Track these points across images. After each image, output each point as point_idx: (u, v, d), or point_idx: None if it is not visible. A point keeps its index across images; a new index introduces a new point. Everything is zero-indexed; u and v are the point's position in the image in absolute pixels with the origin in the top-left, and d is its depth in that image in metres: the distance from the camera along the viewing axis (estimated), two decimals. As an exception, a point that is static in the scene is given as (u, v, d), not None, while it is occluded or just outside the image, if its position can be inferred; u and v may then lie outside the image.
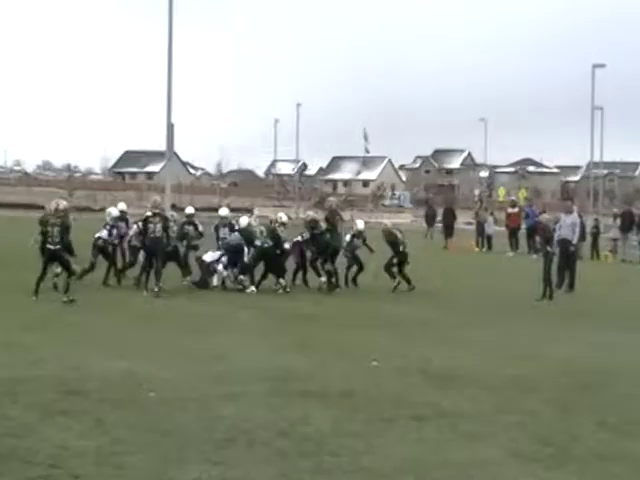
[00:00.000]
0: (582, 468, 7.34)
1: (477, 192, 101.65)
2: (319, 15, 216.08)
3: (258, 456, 7.27)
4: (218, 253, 19.46)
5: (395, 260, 20.54)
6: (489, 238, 37.60)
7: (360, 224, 21.06)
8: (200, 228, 20.02)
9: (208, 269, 19.45)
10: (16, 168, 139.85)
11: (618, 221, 36.67)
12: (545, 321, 16.44)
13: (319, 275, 19.61)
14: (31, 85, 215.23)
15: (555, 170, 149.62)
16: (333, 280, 19.66)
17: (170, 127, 32.33)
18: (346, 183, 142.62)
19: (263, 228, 19.76)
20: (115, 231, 19.29)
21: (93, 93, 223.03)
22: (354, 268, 20.72)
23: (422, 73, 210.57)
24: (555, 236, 20.57)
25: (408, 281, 20.41)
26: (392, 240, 20.68)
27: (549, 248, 19.78)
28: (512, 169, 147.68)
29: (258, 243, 19.38)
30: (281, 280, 19.20)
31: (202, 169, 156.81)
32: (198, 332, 13.49)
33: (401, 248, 20.61)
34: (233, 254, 19.35)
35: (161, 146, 33.04)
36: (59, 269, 17.35)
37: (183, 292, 18.60)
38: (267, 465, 7.03)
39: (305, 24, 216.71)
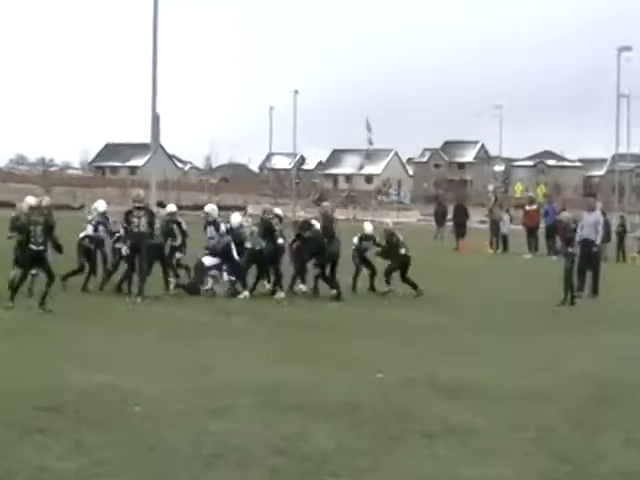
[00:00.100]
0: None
1: (491, 188, 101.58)
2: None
3: (250, 476, 7.31)
4: (218, 259, 19.40)
5: (396, 265, 20.55)
6: (504, 238, 37.61)
7: (368, 227, 21.13)
8: (184, 226, 20.07)
9: (204, 273, 19.44)
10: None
11: (646, 219, 36.73)
12: (565, 329, 16.47)
13: (302, 281, 19.61)
14: (0, 72, 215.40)
15: (577, 164, 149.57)
16: (337, 290, 19.68)
17: (155, 117, 32.34)
18: (348, 178, 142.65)
19: (255, 228, 19.74)
20: (102, 227, 19.37)
21: (70, 80, 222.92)
22: (363, 273, 20.77)
23: (430, 58, 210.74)
24: (576, 236, 20.55)
25: (414, 286, 20.45)
26: (392, 242, 20.71)
27: (570, 249, 19.78)
28: (530, 163, 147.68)
29: (249, 245, 19.40)
30: (278, 293, 19.14)
31: (190, 163, 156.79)
32: (186, 341, 13.52)
33: (403, 251, 20.64)
34: (222, 257, 19.40)
35: (145, 138, 33.03)
36: (34, 271, 17.33)
37: (169, 297, 18.62)
38: (261, 485, 7.07)
39: (304, 7, 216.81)
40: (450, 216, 41.12)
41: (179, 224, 20.03)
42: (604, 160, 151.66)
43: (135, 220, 17.94)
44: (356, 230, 21.76)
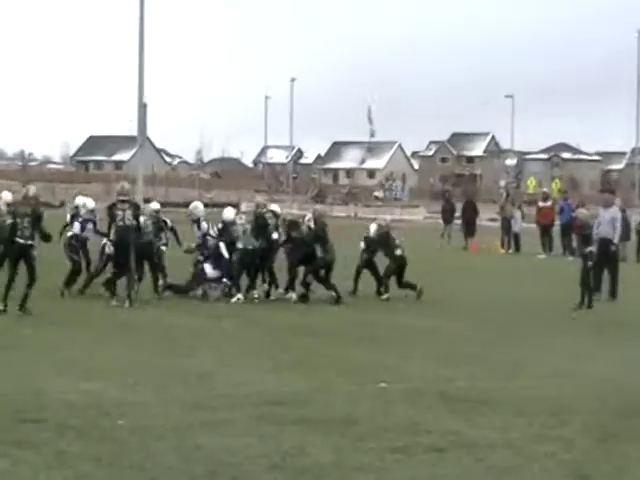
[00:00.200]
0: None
1: (503, 183, 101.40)
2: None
3: (247, 494, 7.27)
4: (219, 271, 19.40)
5: (393, 267, 20.51)
6: (516, 237, 37.61)
7: (374, 229, 21.10)
8: (169, 224, 20.13)
9: (202, 282, 19.40)
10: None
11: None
12: (583, 334, 16.45)
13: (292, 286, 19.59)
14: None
15: (594, 157, 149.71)
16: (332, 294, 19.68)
17: (142, 108, 32.28)
18: (349, 173, 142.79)
19: (248, 226, 19.72)
20: (90, 225, 19.39)
21: (51, 69, 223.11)
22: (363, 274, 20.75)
23: (436, 44, 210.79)
24: (593, 234, 20.48)
25: (412, 287, 20.43)
26: (385, 239, 20.65)
27: (588, 248, 19.72)
28: (544, 156, 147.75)
29: (240, 245, 19.38)
30: (279, 293, 19.13)
31: (179, 157, 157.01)
32: (176, 348, 13.50)
33: (398, 252, 20.60)
34: (213, 258, 19.46)
35: (131, 130, 33.06)
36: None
37: (157, 301, 18.60)
38: (257, 504, 7.04)
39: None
40: (458, 213, 41.10)
41: (165, 222, 20.07)
42: (623, 153, 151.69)
43: (120, 213, 17.89)
44: (357, 229, 21.70)
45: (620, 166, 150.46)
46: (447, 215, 40.50)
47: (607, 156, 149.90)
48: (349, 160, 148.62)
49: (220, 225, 20.03)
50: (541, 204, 38.35)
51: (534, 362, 13.48)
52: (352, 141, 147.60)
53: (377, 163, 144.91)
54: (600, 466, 8.26)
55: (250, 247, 19.34)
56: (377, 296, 20.46)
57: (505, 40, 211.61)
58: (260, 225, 19.44)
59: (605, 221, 21.49)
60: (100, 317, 16.36)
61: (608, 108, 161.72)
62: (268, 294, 19.51)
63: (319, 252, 19.45)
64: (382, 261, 20.96)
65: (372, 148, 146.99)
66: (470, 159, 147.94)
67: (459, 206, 41.55)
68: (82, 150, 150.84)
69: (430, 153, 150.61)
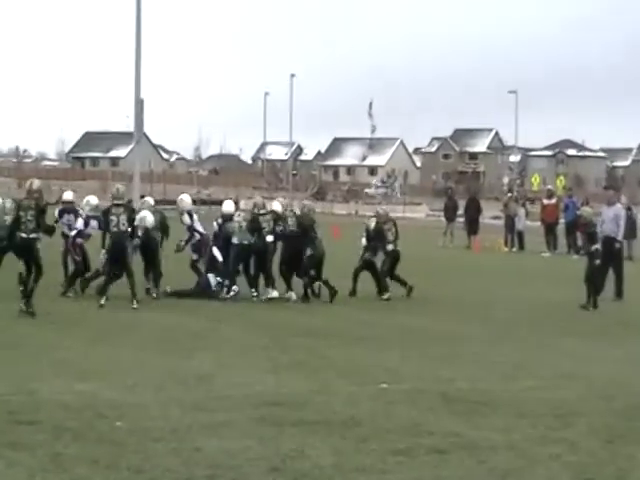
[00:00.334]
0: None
1: (506, 180, 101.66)
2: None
3: (246, 497, 7.29)
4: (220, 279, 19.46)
5: (388, 265, 20.50)
6: (520, 235, 37.64)
7: (373, 224, 21.09)
8: (166, 221, 20.20)
9: (204, 290, 19.42)
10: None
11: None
12: (587, 334, 16.47)
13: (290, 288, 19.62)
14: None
15: (600, 154, 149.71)
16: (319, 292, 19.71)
17: (139, 103, 32.31)
18: (349, 170, 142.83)
19: (244, 223, 19.75)
20: (94, 223, 19.47)
21: (46, 64, 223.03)
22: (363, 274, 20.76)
23: (438, 39, 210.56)
24: (598, 232, 20.48)
25: (403, 283, 20.43)
26: (380, 230, 20.61)
27: (594, 246, 19.74)
28: (548, 152, 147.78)
29: (236, 240, 19.42)
30: (289, 293, 19.14)
31: (177, 154, 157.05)
32: (175, 349, 13.52)
33: (390, 247, 20.59)
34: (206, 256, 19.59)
35: (128, 126, 33.09)
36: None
37: (154, 301, 18.62)
38: (257, 507, 7.06)
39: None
40: (461, 211, 41.12)
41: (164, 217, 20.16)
42: (629, 150, 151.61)
43: (114, 219, 17.90)
44: (359, 228, 21.68)
45: (626, 163, 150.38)
46: (450, 213, 40.50)
47: (613, 152, 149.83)
48: (350, 157, 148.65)
49: (220, 220, 20.08)
50: (545, 202, 38.38)
51: (537, 363, 13.49)
52: (353, 137, 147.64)
53: (378, 160, 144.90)
54: (605, 468, 8.28)
55: (246, 242, 19.41)
56: (379, 297, 20.45)
57: (509, 36, 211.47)
58: (254, 228, 19.45)
59: (609, 219, 21.50)
60: (98, 317, 16.37)
61: (614, 103, 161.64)
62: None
63: (308, 250, 19.48)
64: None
65: (373, 144, 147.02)
66: (473, 156, 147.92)
67: (462, 204, 41.58)
68: (78, 146, 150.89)
69: (432, 150, 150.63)
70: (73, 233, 19.28)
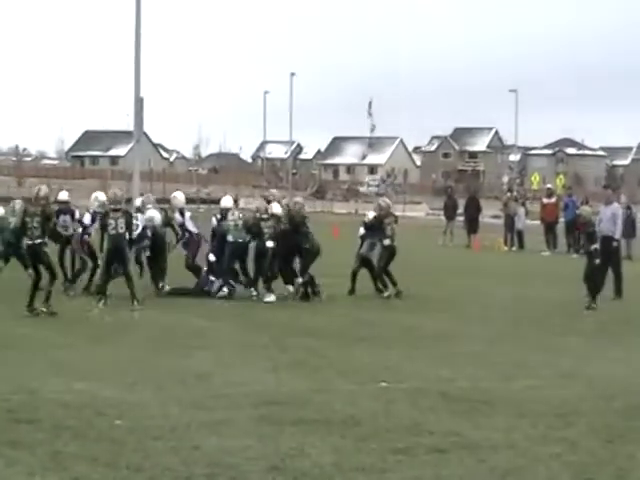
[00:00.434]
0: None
1: (506, 179, 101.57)
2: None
3: (246, 496, 7.29)
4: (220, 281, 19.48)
5: (384, 260, 20.47)
6: (520, 234, 37.62)
7: (372, 215, 21.02)
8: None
9: (204, 291, 19.44)
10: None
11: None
12: (587, 333, 16.45)
13: (288, 282, 19.60)
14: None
15: (600, 152, 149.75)
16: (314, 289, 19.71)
17: (139, 102, 32.29)
18: (349, 169, 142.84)
19: (240, 222, 19.75)
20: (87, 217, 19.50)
21: (46, 62, 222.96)
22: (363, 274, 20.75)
23: (438, 37, 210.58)
24: (597, 231, 20.47)
25: (394, 282, 20.40)
26: (380, 222, 20.57)
27: (593, 246, 19.73)
28: (548, 151, 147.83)
29: (231, 238, 19.44)
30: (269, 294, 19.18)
31: (177, 152, 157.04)
32: (174, 348, 13.51)
33: (387, 242, 20.55)
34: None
35: (128, 125, 33.10)
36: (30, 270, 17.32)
37: (153, 300, 18.61)
38: (256, 506, 7.06)
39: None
40: (461, 210, 41.10)
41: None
42: (629, 148, 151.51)
43: (112, 222, 17.92)
44: (359, 227, 21.64)
45: (626, 161, 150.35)
46: (449, 212, 40.48)
47: (612, 151, 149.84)
48: (350, 155, 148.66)
49: (218, 216, 20.12)
50: (545, 201, 38.35)
51: (537, 362, 13.47)
52: (353, 136, 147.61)
53: (378, 159, 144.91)
54: (605, 468, 8.28)
55: (240, 240, 19.44)
56: (377, 293, 20.43)
57: (510, 33, 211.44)
58: (256, 232, 19.45)
59: (606, 218, 21.46)
60: (98, 317, 16.36)
61: (614, 101, 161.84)
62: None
63: (306, 245, 19.48)
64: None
65: (373, 143, 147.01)
66: (473, 154, 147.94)
67: (462, 202, 41.55)
68: (77, 145, 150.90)
69: (432, 148, 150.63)
70: (80, 230, 19.28)
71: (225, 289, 19.17)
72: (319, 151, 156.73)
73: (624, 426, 9.75)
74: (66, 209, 19.71)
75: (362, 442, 8.75)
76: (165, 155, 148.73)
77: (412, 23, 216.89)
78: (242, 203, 45.81)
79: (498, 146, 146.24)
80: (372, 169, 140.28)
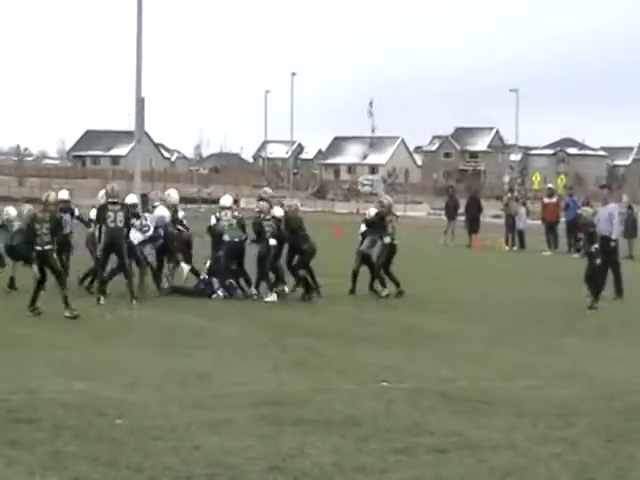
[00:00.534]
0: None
1: (507, 179, 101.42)
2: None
3: (246, 495, 7.29)
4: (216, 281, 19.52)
5: (384, 258, 20.46)
6: (521, 234, 37.62)
7: (373, 211, 21.00)
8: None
9: (205, 291, 19.44)
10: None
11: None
12: (587, 333, 16.45)
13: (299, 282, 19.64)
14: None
15: (601, 152, 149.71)
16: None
17: (140, 101, 32.31)
18: (350, 169, 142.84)
19: (234, 221, 19.78)
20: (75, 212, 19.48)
21: (47, 62, 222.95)
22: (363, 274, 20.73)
23: (439, 37, 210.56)
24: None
25: (396, 282, 20.38)
26: (382, 219, 20.56)
27: (593, 246, 19.71)
28: (549, 151, 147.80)
29: (227, 238, 19.47)
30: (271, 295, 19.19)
31: (178, 152, 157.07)
32: (174, 348, 13.51)
33: (388, 240, 20.54)
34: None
35: (129, 125, 33.12)
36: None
37: (153, 300, 18.62)
38: (256, 506, 7.06)
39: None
40: (462, 210, 41.10)
41: (139, 217, 20.02)
42: (630, 148, 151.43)
43: (111, 214, 17.90)
44: (360, 227, 21.62)
45: (627, 161, 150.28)
46: (450, 211, 40.48)
47: (613, 151, 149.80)
48: (351, 155, 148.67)
49: (218, 214, 20.16)
50: (546, 200, 38.35)
51: (537, 362, 13.47)
52: (354, 136, 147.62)
53: (379, 158, 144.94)
54: (606, 467, 8.27)
55: (237, 239, 19.48)
56: (370, 291, 20.38)
57: (510, 32, 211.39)
58: (258, 232, 19.46)
59: (603, 218, 21.43)
60: (98, 316, 16.36)
61: (615, 101, 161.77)
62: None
63: (304, 246, 19.50)
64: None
65: (374, 143, 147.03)
66: (474, 154, 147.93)
67: (463, 202, 41.56)
68: (79, 145, 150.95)
69: (433, 148, 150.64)
70: (91, 229, 19.27)
71: (220, 292, 19.16)
72: (320, 151, 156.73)
73: (624, 426, 9.75)
74: (66, 208, 19.72)
75: (362, 442, 8.75)
76: (166, 155, 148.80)
77: (413, 23, 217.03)
78: (243, 203, 45.86)
79: (499, 146, 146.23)
80: (373, 169, 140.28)
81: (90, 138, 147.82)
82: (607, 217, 21.46)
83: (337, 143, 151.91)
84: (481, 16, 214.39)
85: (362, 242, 20.79)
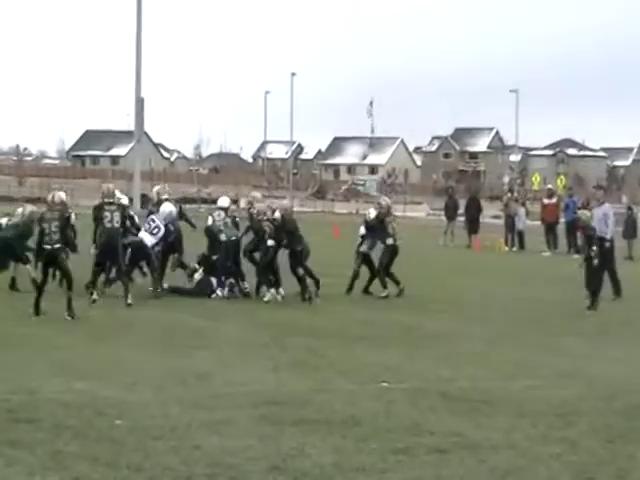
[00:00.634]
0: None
1: (507, 179, 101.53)
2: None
3: (246, 495, 7.28)
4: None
5: (386, 259, 20.44)
6: (520, 235, 37.64)
7: (373, 213, 21.00)
8: (137, 220, 20.13)
9: (205, 291, 19.44)
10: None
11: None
12: (587, 334, 16.46)
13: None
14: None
15: (600, 153, 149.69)
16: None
17: (139, 101, 32.31)
18: (350, 169, 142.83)
19: (228, 220, 19.83)
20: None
21: (47, 62, 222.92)
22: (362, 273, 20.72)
23: (439, 37, 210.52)
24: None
25: (397, 282, 20.36)
26: (382, 221, 20.56)
27: (592, 248, 19.68)
28: (549, 152, 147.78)
29: (223, 237, 19.51)
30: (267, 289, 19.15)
31: (177, 152, 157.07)
32: (174, 348, 13.51)
33: (389, 241, 20.53)
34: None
35: (129, 125, 33.14)
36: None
37: (153, 300, 18.62)
38: (257, 506, 7.06)
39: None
40: (461, 210, 41.12)
41: (132, 218, 19.94)
42: (629, 149, 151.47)
43: (107, 214, 17.93)
44: (360, 227, 21.62)
45: (627, 162, 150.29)
46: (450, 212, 40.49)
47: (613, 152, 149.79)
48: (350, 155, 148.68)
49: (215, 214, 20.21)
50: (546, 201, 38.36)
51: (537, 362, 13.47)
52: (353, 136, 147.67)
53: (379, 159, 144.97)
54: (606, 468, 8.27)
55: (233, 238, 19.54)
56: (363, 293, 20.36)
57: (510, 33, 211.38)
58: (256, 232, 19.49)
59: (597, 218, 21.40)
60: (98, 316, 16.36)
61: (614, 102, 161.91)
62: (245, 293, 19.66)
63: (299, 247, 19.52)
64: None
65: (374, 143, 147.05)
66: (473, 155, 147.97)
67: (462, 203, 41.57)
68: (78, 145, 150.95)
69: (433, 149, 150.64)
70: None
71: (219, 292, 19.19)
72: (320, 151, 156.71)
73: (624, 426, 9.76)
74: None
75: (362, 442, 8.75)
76: (166, 155, 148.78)
77: (412, 22, 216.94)
78: (242, 203, 45.88)
79: (499, 146, 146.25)
80: (373, 169, 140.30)
81: (90, 138, 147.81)
82: (602, 217, 21.46)
83: (337, 143, 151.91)
84: (480, 16, 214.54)
85: (361, 243, 20.79)
